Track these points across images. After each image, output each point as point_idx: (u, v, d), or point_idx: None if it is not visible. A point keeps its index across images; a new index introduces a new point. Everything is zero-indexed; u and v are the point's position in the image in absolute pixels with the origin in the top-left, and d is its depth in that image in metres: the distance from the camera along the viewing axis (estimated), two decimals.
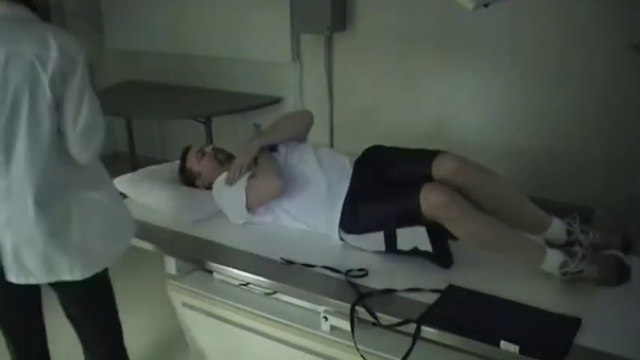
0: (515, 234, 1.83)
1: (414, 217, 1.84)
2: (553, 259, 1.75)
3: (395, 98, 3.66)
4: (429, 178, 1.95)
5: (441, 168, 1.95)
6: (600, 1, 2.92)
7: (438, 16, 3.31)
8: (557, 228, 1.90)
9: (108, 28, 4.67)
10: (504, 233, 1.82)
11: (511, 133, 3.35)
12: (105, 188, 1.80)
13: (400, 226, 1.88)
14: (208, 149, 2.44)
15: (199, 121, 3.87)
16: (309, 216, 2.12)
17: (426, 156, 2.02)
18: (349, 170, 2.12)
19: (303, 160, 2.21)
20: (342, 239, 2.05)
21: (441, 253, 1.86)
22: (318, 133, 3.92)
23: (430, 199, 1.80)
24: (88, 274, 1.73)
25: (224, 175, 2.25)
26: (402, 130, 3.65)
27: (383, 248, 1.93)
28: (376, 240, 1.94)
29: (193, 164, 2.43)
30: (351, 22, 3.66)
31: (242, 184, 2.15)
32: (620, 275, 1.67)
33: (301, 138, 2.41)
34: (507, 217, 1.91)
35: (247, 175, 2.17)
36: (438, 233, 1.86)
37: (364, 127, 3.78)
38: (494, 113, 3.37)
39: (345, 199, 2.04)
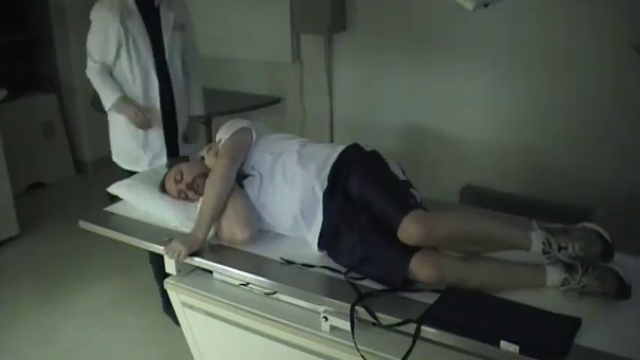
0: (511, 270, 1.78)
1: None
2: (554, 278, 1.73)
3: (395, 98, 3.66)
4: None
5: (407, 238, 1.78)
6: (600, 1, 2.92)
7: (438, 17, 3.31)
8: (534, 253, 1.78)
9: None
10: (501, 274, 1.77)
11: (511, 133, 3.35)
12: None
13: None
14: (182, 185, 2.26)
15: (199, 121, 3.86)
16: (295, 233, 2.08)
17: (394, 211, 1.83)
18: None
19: (285, 176, 2.08)
20: None
21: None
22: (318, 133, 3.95)
23: (421, 277, 1.74)
24: None
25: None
26: (402, 130, 3.66)
27: None
28: None
29: (175, 195, 2.29)
30: (351, 22, 3.66)
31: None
32: (619, 294, 1.66)
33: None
34: (490, 248, 1.85)
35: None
36: None
37: (364, 127, 3.78)
38: (495, 113, 3.37)
39: (322, 230, 1.96)
